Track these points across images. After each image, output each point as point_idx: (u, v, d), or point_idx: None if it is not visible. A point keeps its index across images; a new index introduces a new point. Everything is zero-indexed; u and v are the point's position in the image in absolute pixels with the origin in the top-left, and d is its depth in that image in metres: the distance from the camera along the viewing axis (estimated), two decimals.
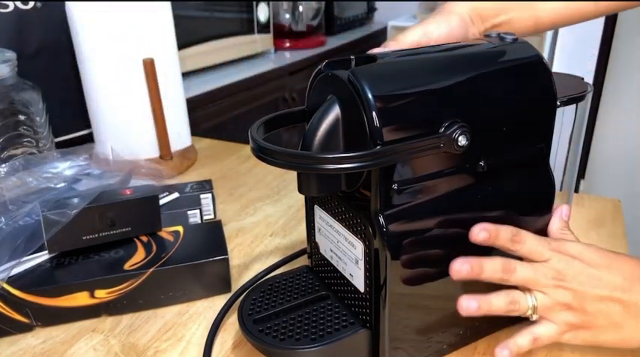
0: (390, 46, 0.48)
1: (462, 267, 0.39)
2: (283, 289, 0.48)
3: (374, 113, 0.35)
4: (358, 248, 0.41)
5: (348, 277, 0.44)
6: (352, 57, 0.41)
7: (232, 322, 0.51)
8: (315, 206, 0.48)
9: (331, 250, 0.46)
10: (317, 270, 0.51)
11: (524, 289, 0.41)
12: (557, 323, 0.41)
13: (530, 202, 0.45)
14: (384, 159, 0.36)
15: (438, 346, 0.45)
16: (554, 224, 0.46)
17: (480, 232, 0.39)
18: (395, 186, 0.38)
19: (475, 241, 0.39)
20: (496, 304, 0.40)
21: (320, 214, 0.47)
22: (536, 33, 0.57)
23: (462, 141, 0.38)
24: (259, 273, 0.54)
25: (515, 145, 0.42)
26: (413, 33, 0.50)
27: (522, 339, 0.42)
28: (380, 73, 0.38)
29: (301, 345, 0.41)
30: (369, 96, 0.36)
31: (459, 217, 0.41)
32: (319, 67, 0.41)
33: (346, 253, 0.43)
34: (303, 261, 0.55)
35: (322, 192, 0.41)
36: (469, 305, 0.39)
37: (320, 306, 0.45)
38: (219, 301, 0.54)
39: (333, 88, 0.39)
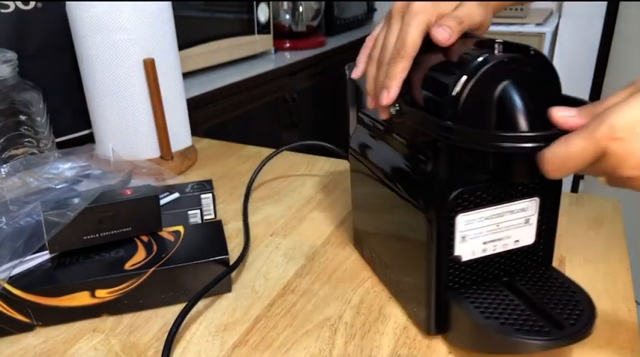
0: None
1: None
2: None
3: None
4: (530, 207, 0.46)
5: (512, 246, 0.47)
6: (497, 41, 0.40)
7: (232, 321, 0.52)
8: (459, 216, 0.44)
9: (484, 243, 0.46)
10: (465, 283, 0.47)
11: None
12: None
13: None
14: None
15: None
16: None
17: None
18: None
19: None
20: None
21: (466, 219, 0.44)
22: None
23: None
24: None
25: None
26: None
27: None
28: None
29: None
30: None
31: None
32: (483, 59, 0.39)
33: (511, 226, 0.46)
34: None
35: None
36: None
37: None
38: (220, 301, 0.55)
39: (505, 76, 0.39)
